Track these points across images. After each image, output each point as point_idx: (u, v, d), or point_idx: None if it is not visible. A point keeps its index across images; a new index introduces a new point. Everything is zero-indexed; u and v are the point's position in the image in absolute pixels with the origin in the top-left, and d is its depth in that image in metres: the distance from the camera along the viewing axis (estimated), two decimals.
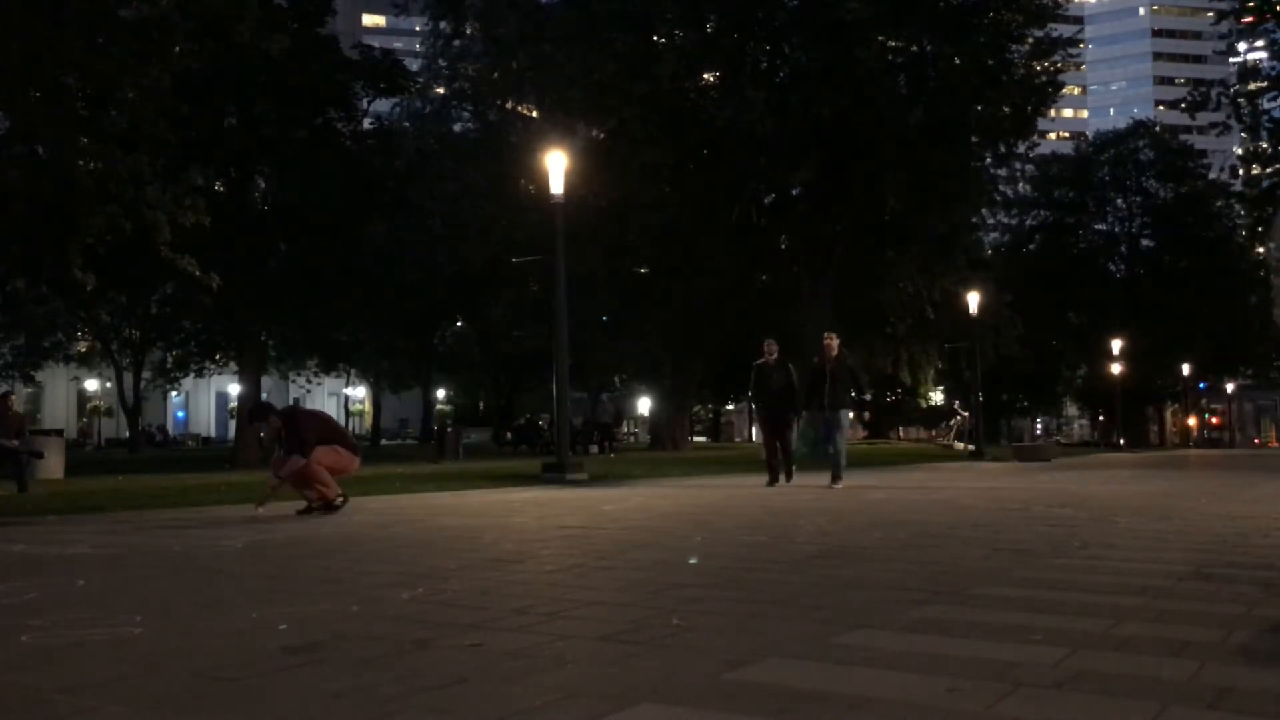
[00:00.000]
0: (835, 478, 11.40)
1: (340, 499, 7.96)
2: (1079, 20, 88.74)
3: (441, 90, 30.05)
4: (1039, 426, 74.98)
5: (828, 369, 11.68)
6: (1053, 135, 70.31)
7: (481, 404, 58.21)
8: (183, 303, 28.68)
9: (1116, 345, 44.21)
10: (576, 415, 31.69)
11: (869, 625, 3.17)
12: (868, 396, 12.07)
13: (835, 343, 11.90)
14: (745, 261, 29.73)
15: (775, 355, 12.06)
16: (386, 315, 31.09)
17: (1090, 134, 67.89)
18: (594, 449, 29.81)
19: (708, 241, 27.67)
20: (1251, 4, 30.46)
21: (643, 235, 27.02)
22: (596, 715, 2.20)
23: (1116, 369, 44.74)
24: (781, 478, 12.01)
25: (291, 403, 36.00)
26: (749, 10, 24.58)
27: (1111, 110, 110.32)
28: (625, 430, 58.44)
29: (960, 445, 35.49)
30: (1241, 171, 35.74)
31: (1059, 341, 51.44)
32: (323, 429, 8.29)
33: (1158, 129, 56.15)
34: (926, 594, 3.78)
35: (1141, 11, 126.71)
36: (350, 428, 52.89)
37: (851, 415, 12.91)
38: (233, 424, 38.27)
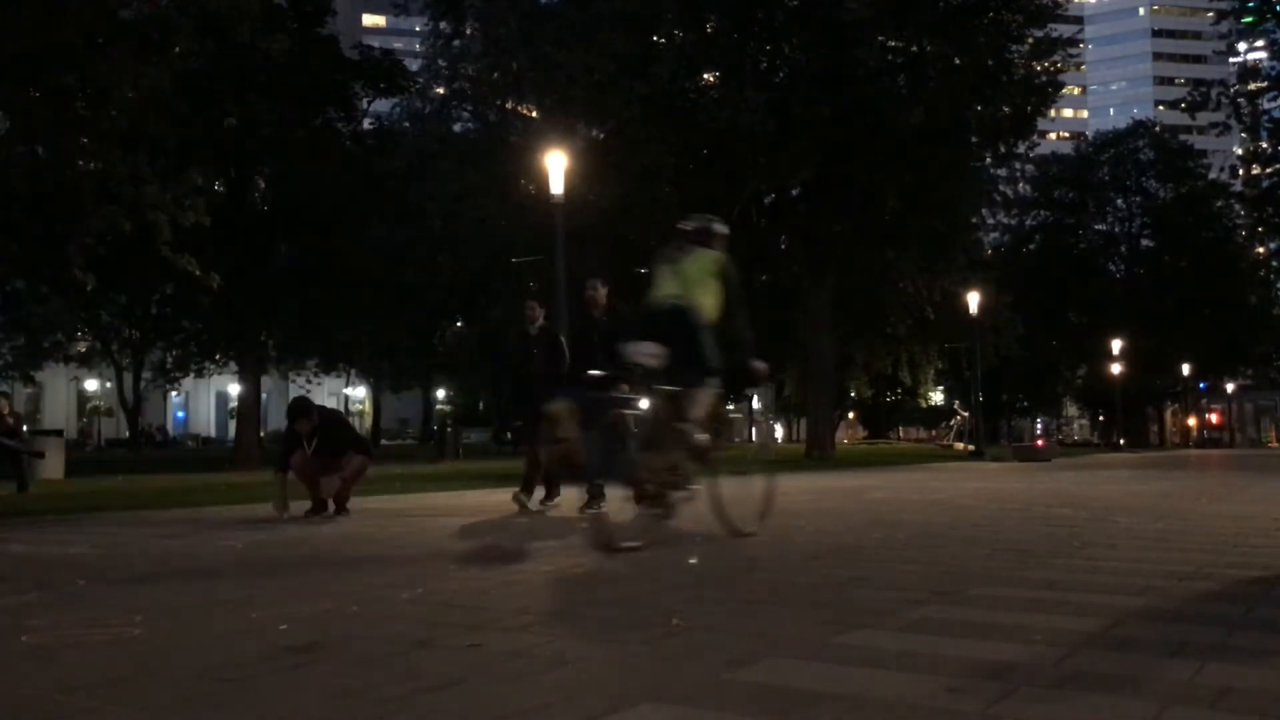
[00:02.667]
0: (591, 495, 6.15)
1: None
2: (1079, 20, 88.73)
3: (441, 90, 30.00)
4: (1039, 426, 74.97)
5: (598, 326, 7.97)
6: (1053, 135, 70.32)
7: (481, 404, 58.21)
8: (183, 303, 28.66)
9: (1116, 345, 44.24)
10: None
11: (869, 625, 3.17)
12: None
13: (603, 292, 8.11)
14: (745, 261, 29.70)
15: (540, 321, 8.86)
16: (386, 315, 31.06)
17: (1090, 134, 67.94)
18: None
19: None
20: (1251, 3, 30.48)
21: (643, 235, 27.00)
22: (596, 715, 2.20)
23: (1116, 369, 44.77)
24: (561, 493, 8.30)
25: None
26: (749, 10, 24.58)
27: (1111, 110, 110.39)
28: None
29: (960, 445, 35.55)
30: (1241, 171, 35.81)
31: (1059, 341, 51.47)
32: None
33: (1158, 129, 56.20)
34: (926, 594, 3.77)
35: (1141, 11, 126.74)
36: None
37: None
38: (233, 424, 38.25)
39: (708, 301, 5.57)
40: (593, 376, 6.43)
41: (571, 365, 8.08)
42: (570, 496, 7.56)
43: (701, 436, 5.49)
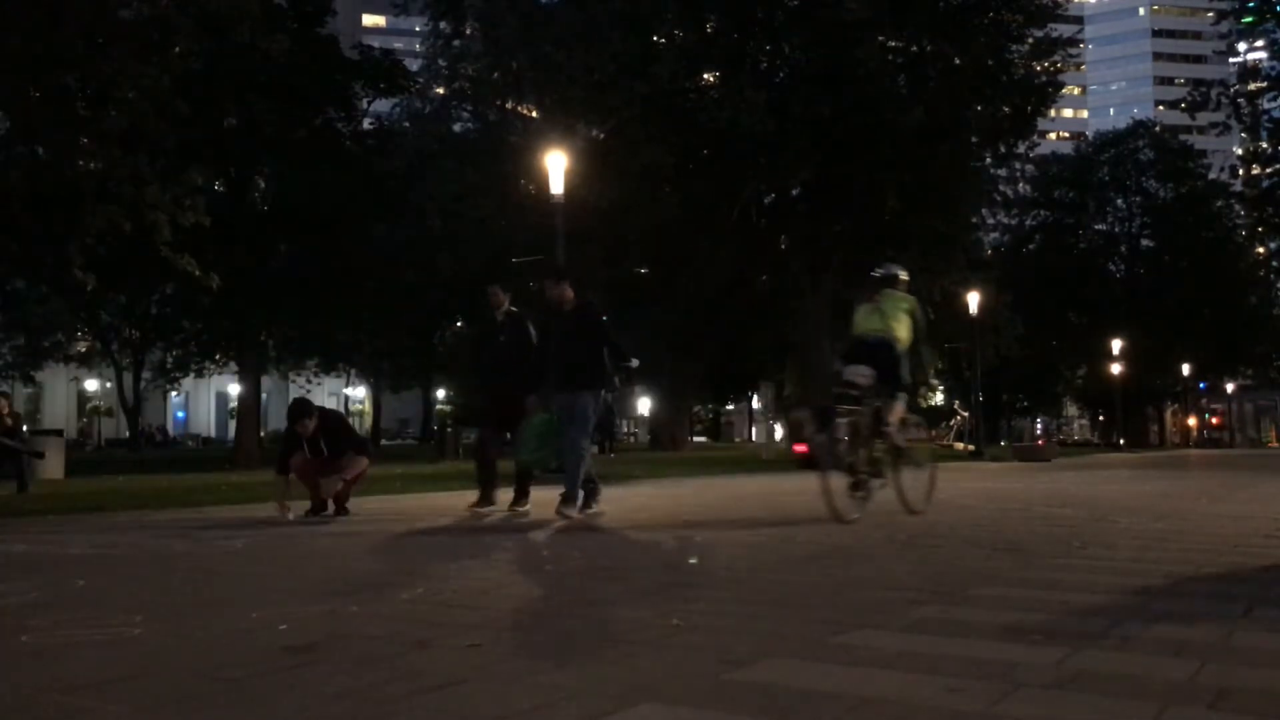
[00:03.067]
0: (565, 498, 7.11)
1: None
2: (1079, 20, 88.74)
3: (441, 90, 30.05)
4: (1039, 426, 74.98)
5: (563, 322, 7.57)
6: (1053, 135, 70.35)
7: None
8: (183, 303, 28.66)
9: (1116, 345, 44.23)
10: None
11: (869, 625, 3.17)
12: (634, 364, 7.76)
13: (565, 288, 7.60)
14: (745, 261, 29.72)
15: (505, 307, 8.11)
16: (386, 315, 31.08)
17: (1090, 134, 67.99)
18: (594, 449, 29.78)
19: (708, 241, 27.66)
20: (1251, 3, 30.49)
21: (643, 235, 27.03)
22: (596, 715, 2.20)
23: (1116, 369, 44.76)
24: (535, 498, 7.85)
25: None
26: (748, 10, 24.59)
27: (1111, 110, 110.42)
28: (625, 430, 58.47)
29: (960, 445, 35.54)
30: (1241, 171, 35.81)
31: (1059, 341, 51.48)
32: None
33: (1158, 129, 56.22)
34: (926, 594, 3.77)
35: (1141, 11, 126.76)
36: None
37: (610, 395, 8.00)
38: (233, 424, 38.26)
39: (903, 334, 7.22)
40: (838, 393, 7.06)
41: (537, 360, 7.66)
42: (541, 499, 7.59)
43: (898, 437, 7.16)
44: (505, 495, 7.86)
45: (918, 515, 7.06)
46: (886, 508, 7.08)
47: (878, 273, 7.59)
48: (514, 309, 8.16)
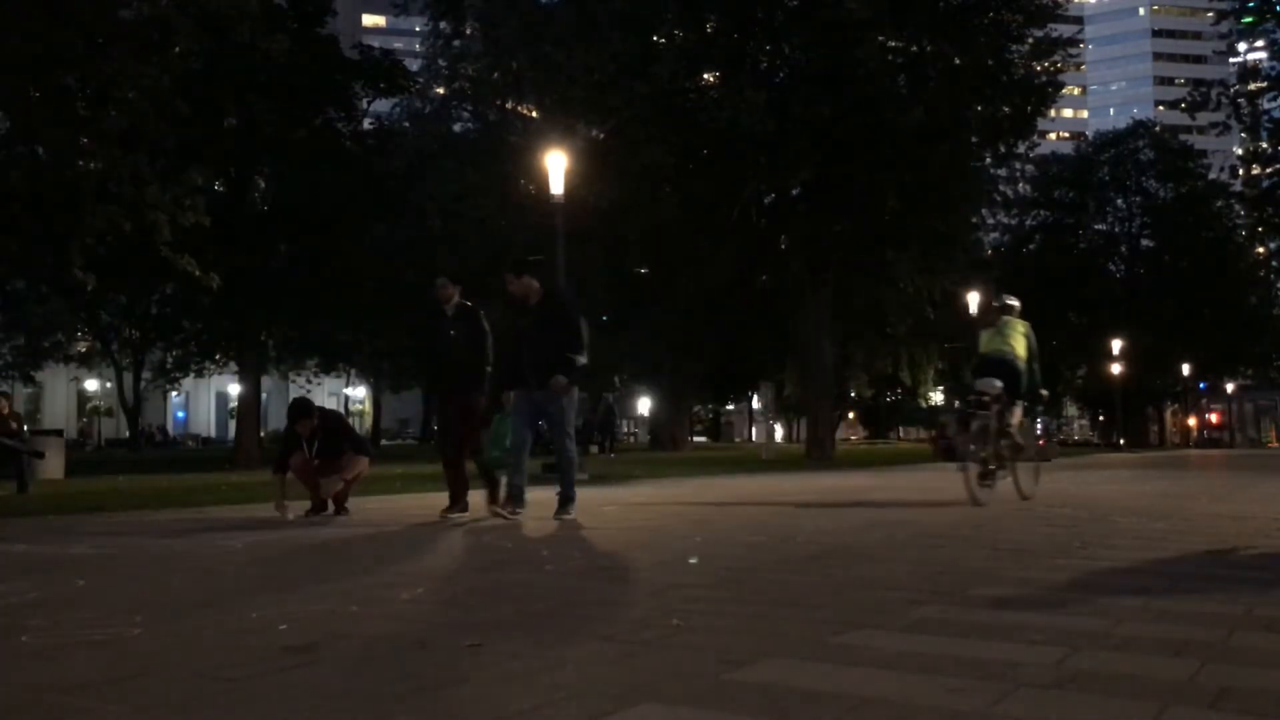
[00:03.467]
0: (565, 499, 7.33)
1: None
2: (1079, 20, 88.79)
3: (441, 90, 30.04)
4: (1039, 426, 74.96)
5: (531, 316, 7.31)
6: (1053, 135, 70.32)
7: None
8: (183, 303, 28.65)
9: (1116, 345, 44.21)
10: (578, 416, 31.61)
11: (869, 625, 3.17)
12: (581, 361, 7.26)
13: (529, 281, 7.40)
14: (745, 261, 29.72)
15: (455, 299, 7.70)
16: (386, 315, 31.09)
17: (1090, 134, 67.96)
18: (594, 449, 29.81)
19: (708, 241, 27.65)
20: (1251, 4, 30.48)
21: (643, 235, 27.03)
22: (596, 715, 2.20)
23: (1116, 369, 44.74)
24: (504, 500, 7.46)
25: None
26: (749, 10, 24.57)
27: (1111, 110, 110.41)
28: (625, 430, 58.46)
29: None
30: (1241, 171, 35.79)
31: (1059, 341, 51.44)
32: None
33: (1158, 129, 56.17)
34: (926, 594, 3.78)
35: (1141, 11, 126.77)
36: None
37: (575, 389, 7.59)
38: (233, 424, 38.25)
39: (1021, 352, 8.84)
40: (976, 397, 8.33)
41: (508, 355, 7.35)
42: (544, 499, 7.56)
43: (1017, 436, 8.73)
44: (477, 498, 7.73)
45: (1029, 500, 8.64)
46: (884, 498, 7.08)
47: (997, 303, 9.29)
48: (466, 302, 7.77)
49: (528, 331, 7.28)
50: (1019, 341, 8.84)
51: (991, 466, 8.37)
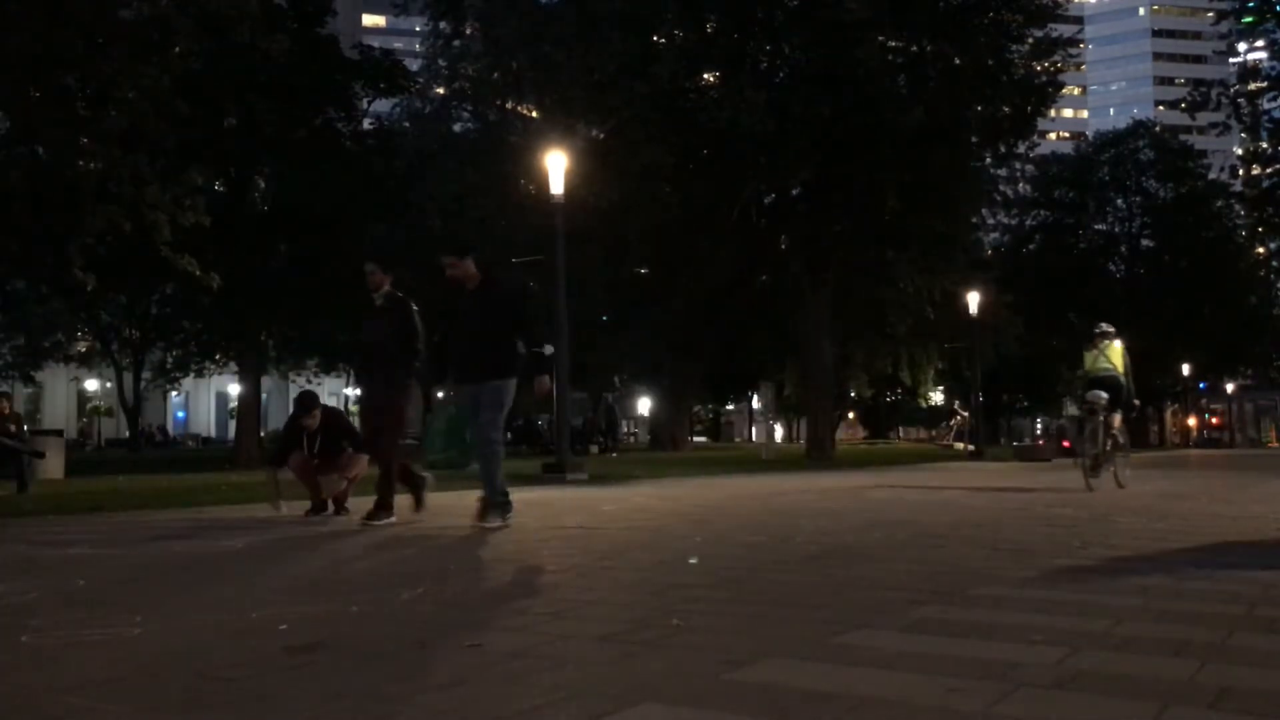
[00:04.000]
0: (487, 504, 6.66)
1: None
2: (1079, 20, 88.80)
3: (441, 90, 30.03)
4: (1039, 426, 74.90)
5: (469, 303, 6.75)
6: (1053, 135, 70.35)
7: None
8: (183, 303, 28.65)
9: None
10: (577, 416, 31.70)
11: (869, 625, 3.17)
12: (548, 350, 7.07)
13: (469, 265, 6.76)
14: (745, 261, 29.72)
15: (386, 288, 7.27)
16: None
17: (1090, 134, 67.91)
18: (594, 449, 29.84)
19: (708, 241, 27.65)
20: (1251, 4, 30.48)
21: (643, 235, 27.03)
22: (596, 715, 2.20)
23: None
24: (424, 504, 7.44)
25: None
26: (749, 10, 24.57)
27: (1111, 110, 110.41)
28: (625, 430, 58.50)
29: (960, 445, 35.53)
30: (1241, 171, 35.77)
31: (1059, 341, 51.42)
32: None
33: (1158, 129, 56.13)
34: (926, 594, 3.78)
35: (1141, 11, 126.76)
36: None
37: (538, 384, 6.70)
38: (233, 424, 38.25)
39: (1120, 370, 11.03)
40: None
41: (439, 354, 6.83)
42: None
43: (1119, 437, 11.05)
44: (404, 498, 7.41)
45: (1124, 488, 10.57)
46: (885, 498, 7.07)
47: (1098, 330, 11.46)
48: (397, 292, 7.27)
49: (463, 319, 6.70)
50: (1117, 360, 11.03)
51: (1100, 462, 10.57)
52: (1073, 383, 11.93)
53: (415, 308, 7.18)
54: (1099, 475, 10.43)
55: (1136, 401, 11.67)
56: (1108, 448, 10.70)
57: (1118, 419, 10.86)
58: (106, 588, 4.29)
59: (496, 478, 6.67)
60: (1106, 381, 10.86)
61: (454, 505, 8.46)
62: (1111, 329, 11.45)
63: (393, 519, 6.92)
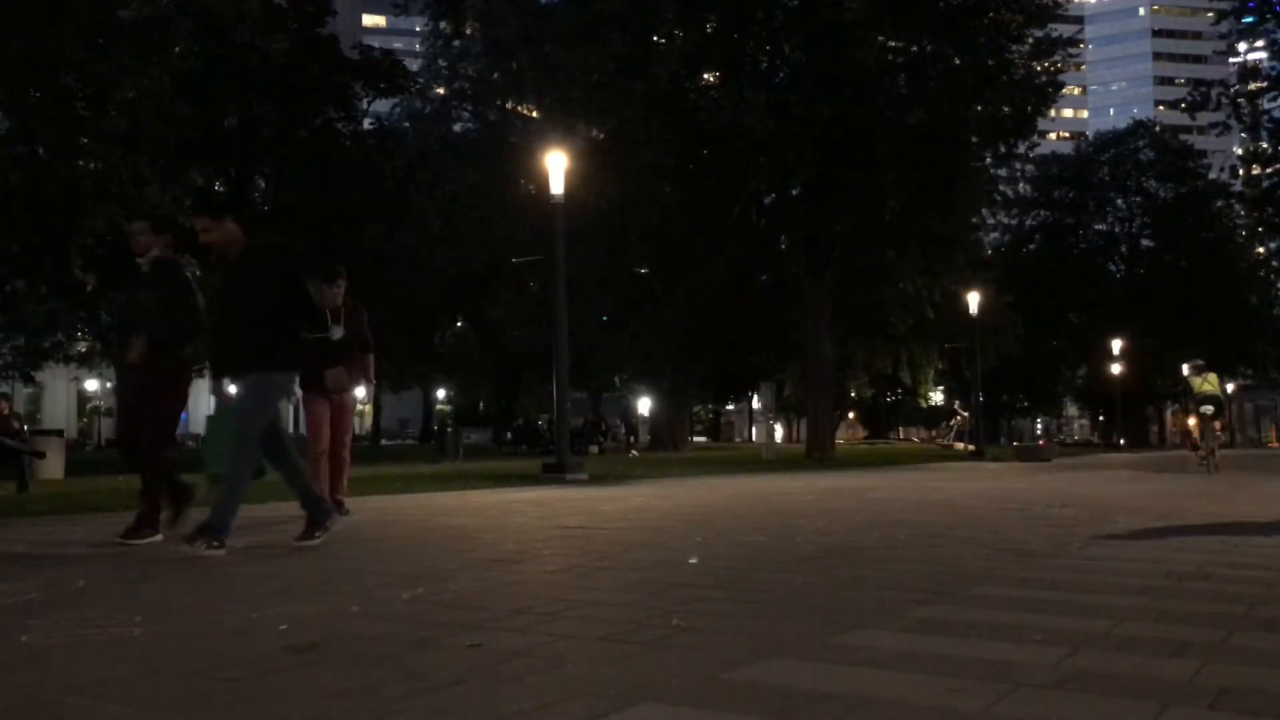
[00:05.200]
0: (201, 527, 5.21)
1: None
2: (1079, 20, 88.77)
3: (441, 90, 30.06)
4: (1039, 426, 74.93)
5: (229, 276, 5.46)
6: (1053, 135, 70.26)
7: (481, 404, 58.16)
8: None
9: (1116, 345, 44.19)
10: (577, 416, 31.75)
11: (869, 625, 3.17)
12: (336, 335, 6.07)
13: (226, 227, 5.44)
14: (745, 261, 29.73)
15: (155, 252, 5.89)
16: (386, 315, 31.14)
17: (1090, 134, 67.91)
18: (594, 449, 29.86)
19: (708, 241, 27.67)
20: (1251, 3, 30.48)
21: (643, 235, 27.05)
22: (596, 715, 2.20)
23: (1116, 369, 44.72)
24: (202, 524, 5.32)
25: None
26: (748, 10, 24.58)
27: (1111, 110, 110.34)
28: (625, 431, 58.53)
29: (960, 445, 35.54)
30: (1241, 171, 35.76)
31: (1059, 341, 51.43)
32: None
33: (1158, 129, 56.11)
34: (926, 594, 3.78)
35: (1141, 11, 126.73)
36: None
37: (294, 385, 6.02)
38: None
39: (1218, 391, 15.94)
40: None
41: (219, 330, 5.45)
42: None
43: (1221, 436, 16.99)
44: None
45: (1216, 474, 14.37)
46: (885, 498, 7.07)
47: (1197, 364, 16.12)
48: (170, 256, 5.89)
49: (223, 296, 5.44)
50: (1215, 384, 15.95)
51: (1208, 455, 15.39)
52: (1184, 399, 17.22)
53: (193, 275, 5.83)
54: (1208, 465, 15.28)
55: (1225, 414, 16.12)
56: (1213, 445, 15.69)
57: (1219, 425, 16.21)
58: (106, 588, 4.29)
59: (234, 498, 5.27)
60: (1212, 399, 15.61)
61: (454, 505, 8.46)
62: (1202, 362, 16.25)
63: (158, 536, 5.73)
